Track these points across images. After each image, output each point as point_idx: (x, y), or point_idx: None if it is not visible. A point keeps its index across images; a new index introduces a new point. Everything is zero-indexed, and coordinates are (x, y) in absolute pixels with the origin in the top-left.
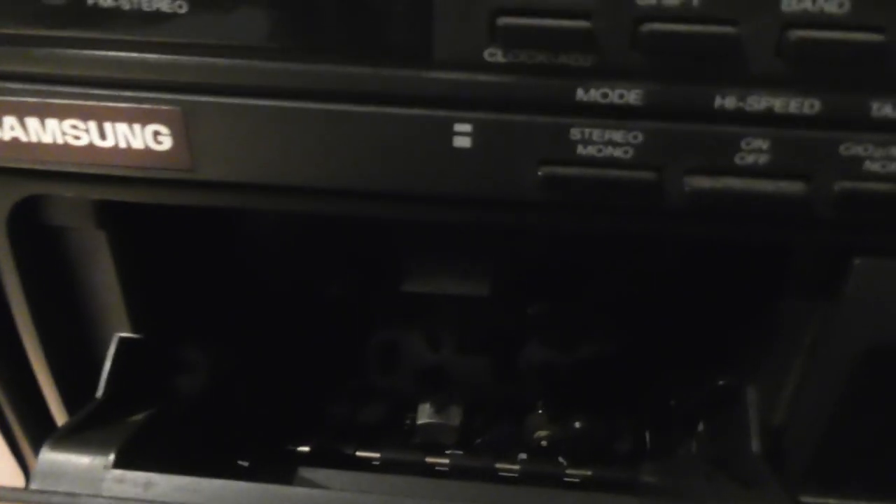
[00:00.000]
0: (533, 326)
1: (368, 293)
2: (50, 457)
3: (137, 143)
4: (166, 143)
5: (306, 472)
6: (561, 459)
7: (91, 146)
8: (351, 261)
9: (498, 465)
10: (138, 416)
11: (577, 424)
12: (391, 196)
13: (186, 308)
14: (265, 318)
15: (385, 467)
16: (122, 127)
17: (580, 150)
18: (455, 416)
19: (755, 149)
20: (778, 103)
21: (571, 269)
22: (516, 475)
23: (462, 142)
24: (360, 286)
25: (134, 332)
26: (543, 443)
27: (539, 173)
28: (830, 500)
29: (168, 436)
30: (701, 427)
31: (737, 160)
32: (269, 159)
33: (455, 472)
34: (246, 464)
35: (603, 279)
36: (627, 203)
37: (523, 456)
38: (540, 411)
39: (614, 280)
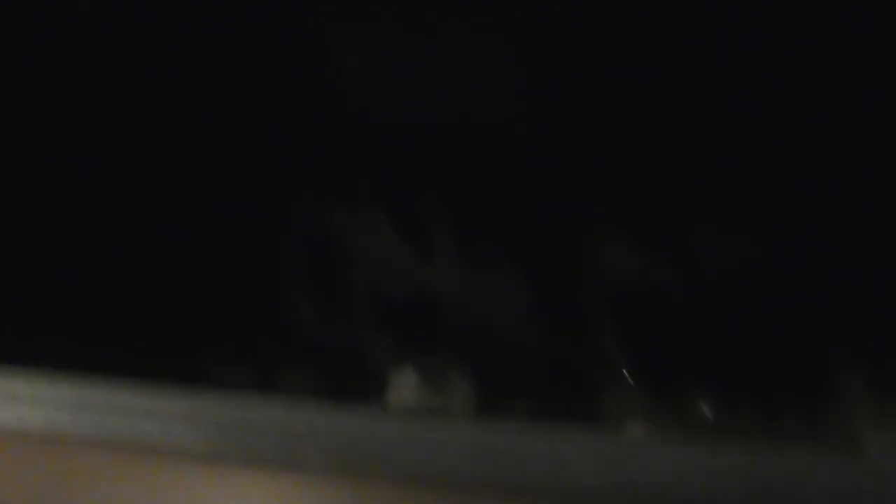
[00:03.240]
0: (601, 200)
1: (266, 107)
2: None
3: None
4: None
5: None
6: None
7: None
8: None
9: None
10: None
11: (701, 407)
12: None
13: None
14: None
15: None
16: None
17: None
18: (457, 392)
19: None
20: None
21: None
22: None
23: None
24: (246, 85)
25: None
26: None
27: None
28: None
29: None
30: None
31: None
32: None
33: None
34: None
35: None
36: None
37: None
38: (625, 380)
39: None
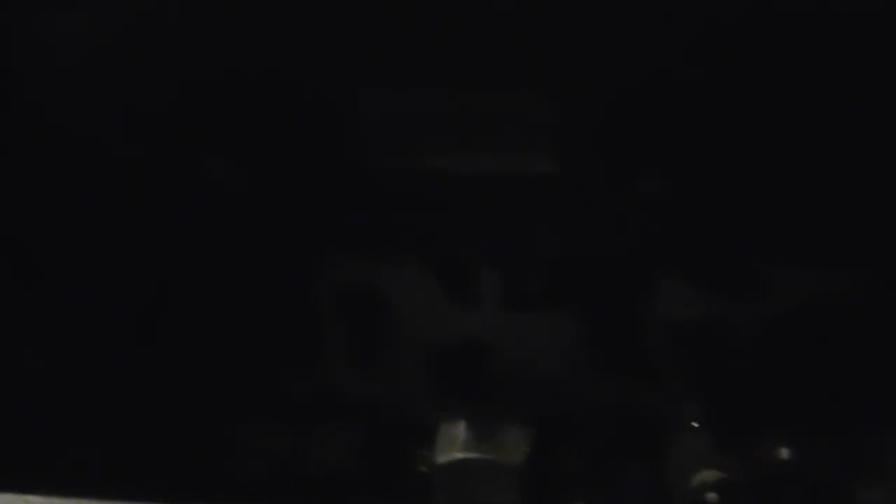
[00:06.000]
0: (660, 240)
1: (311, 179)
2: None
3: None
4: None
5: None
6: None
7: None
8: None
9: None
10: None
11: (782, 454)
12: None
13: None
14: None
15: None
16: None
17: None
18: (514, 447)
19: None
20: None
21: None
22: None
23: None
24: (290, 163)
25: None
26: (712, 497)
27: None
28: None
29: None
30: None
31: None
32: None
33: None
34: None
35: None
36: None
37: None
38: (695, 431)
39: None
